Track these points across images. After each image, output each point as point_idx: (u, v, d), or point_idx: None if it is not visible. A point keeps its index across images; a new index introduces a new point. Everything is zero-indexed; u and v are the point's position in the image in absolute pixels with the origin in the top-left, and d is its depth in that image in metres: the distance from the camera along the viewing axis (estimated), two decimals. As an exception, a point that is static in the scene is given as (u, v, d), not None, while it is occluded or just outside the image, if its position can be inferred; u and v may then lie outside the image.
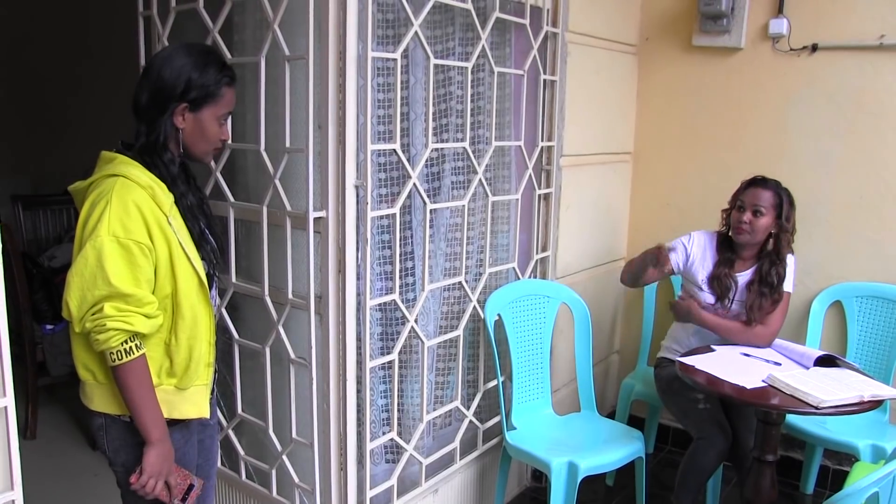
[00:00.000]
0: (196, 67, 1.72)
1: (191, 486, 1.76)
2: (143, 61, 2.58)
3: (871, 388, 2.39)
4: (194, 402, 1.81)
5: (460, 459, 2.77)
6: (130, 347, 1.63)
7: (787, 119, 3.29)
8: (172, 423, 1.76)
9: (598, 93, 3.31)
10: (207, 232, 1.85)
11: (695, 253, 2.85)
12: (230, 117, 1.85)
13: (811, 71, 3.21)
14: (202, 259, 1.78)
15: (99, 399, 1.76)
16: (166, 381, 1.76)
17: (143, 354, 1.66)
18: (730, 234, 2.81)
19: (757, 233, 2.74)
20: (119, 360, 1.63)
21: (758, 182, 2.77)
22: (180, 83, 1.70)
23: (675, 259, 2.86)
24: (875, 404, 2.35)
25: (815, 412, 2.29)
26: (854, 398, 2.32)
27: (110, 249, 1.59)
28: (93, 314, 1.62)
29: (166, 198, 1.70)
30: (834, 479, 3.27)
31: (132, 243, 1.61)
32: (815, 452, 3.25)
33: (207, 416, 1.85)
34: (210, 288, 1.82)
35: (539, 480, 3.21)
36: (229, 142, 2.03)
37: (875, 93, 3.09)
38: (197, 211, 1.83)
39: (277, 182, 2.23)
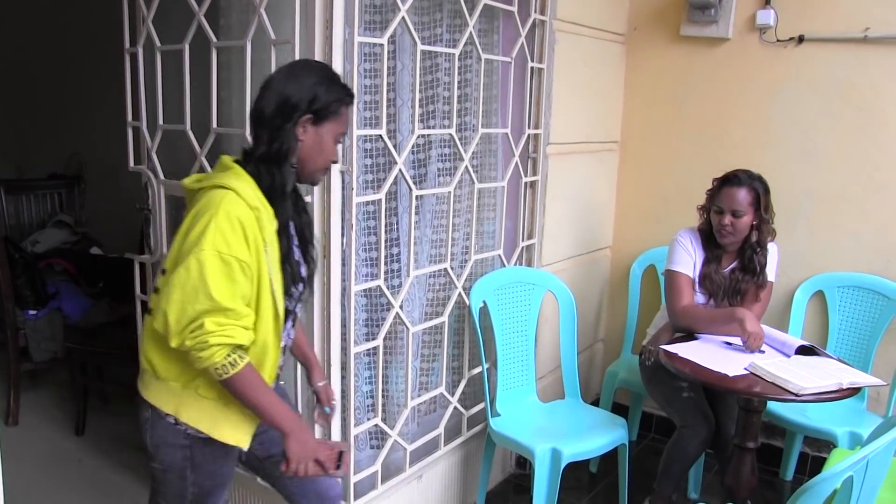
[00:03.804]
0: (322, 83, 1.74)
1: (341, 453, 1.78)
2: (127, 45, 2.55)
3: (849, 376, 2.42)
4: (235, 427, 1.77)
5: (444, 446, 2.78)
6: (234, 359, 1.63)
7: (773, 110, 3.30)
8: (210, 441, 1.74)
9: (586, 81, 3.31)
10: (300, 259, 1.86)
11: (692, 252, 2.84)
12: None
13: (797, 62, 3.22)
14: (284, 293, 1.78)
15: (153, 392, 1.76)
16: (224, 397, 1.73)
17: (249, 363, 1.66)
18: (713, 232, 2.80)
19: (740, 233, 2.73)
20: (226, 373, 1.62)
21: (731, 181, 2.71)
22: (308, 95, 1.72)
23: (691, 269, 2.83)
24: (853, 391, 2.39)
25: (795, 399, 2.32)
26: (833, 386, 2.35)
27: (212, 264, 1.59)
28: (192, 331, 1.60)
29: (269, 224, 1.71)
30: (813, 465, 3.31)
31: (234, 260, 1.61)
32: (796, 440, 3.29)
33: (245, 447, 1.80)
34: (286, 321, 1.83)
35: (523, 467, 3.23)
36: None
37: (860, 86, 3.11)
38: (294, 232, 1.84)
39: (263, 167, 2.22)
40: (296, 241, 1.85)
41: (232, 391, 1.67)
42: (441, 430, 2.75)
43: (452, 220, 2.66)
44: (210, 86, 2.30)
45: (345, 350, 2.30)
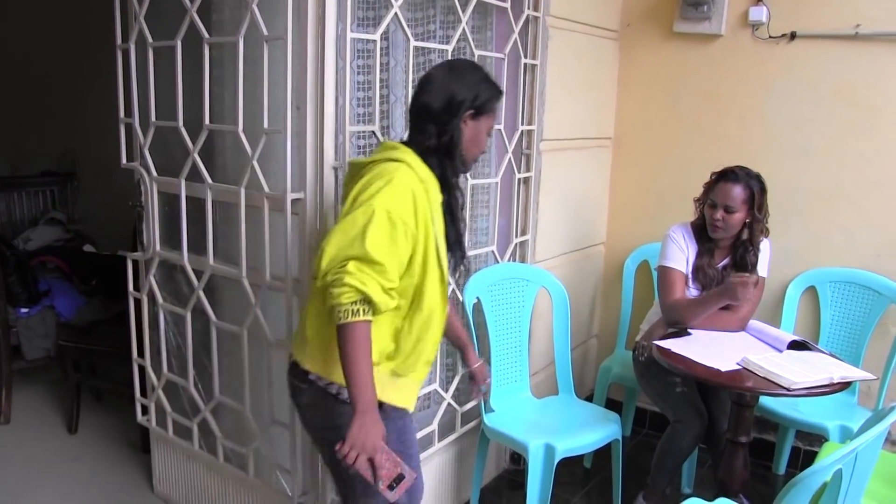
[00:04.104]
0: (482, 81, 1.91)
1: (400, 476, 1.70)
2: (119, 41, 2.55)
3: (840, 371, 2.44)
4: (404, 393, 1.90)
5: (438, 442, 2.78)
6: (358, 310, 1.67)
7: (766, 107, 3.31)
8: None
9: (579, 78, 3.32)
10: (462, 238, 1.99)
11: (685, 248, 2.85)
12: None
13: (790, 59, 3.23)
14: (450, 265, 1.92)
15: (313, 361, 1.86)
16: (384, 363, 1.84)
17: (369, 324, 1.70)
18: (706, 226, 2.81)
19: (731, 229, 2.74)
20: (344, 318, 1.67)
21: (727, 177, 2.73)
22: (471, 93, 1.87)
23: (683, 264, 2.84)
24: (844, 386, 2.41)
25: (787, 394, 2.34)
26: (824, 380, 2.37)
27: (378, 219, 1.69)
28: (336, 271, 1.69)
29: (436, 196, 1.86)
30: (805, 459, 3.33)
31: (399, 221, 1.72)
32: (788, 434, 3.30)
33: (412, 409, 1.93)
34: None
35: (517, 462, 3.24)
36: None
37: (851, 82, 3.12)
38: (456, 213, 1.96)
39: (255, 163, 2.22)
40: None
41: (339, 340, 1.70)
42: (435, 426, 2.75)
43: (445, 216, 2.66)
44: (202, 82, 2.29)
45: (339, 346, 2.30)
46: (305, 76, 2.10)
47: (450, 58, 2.53)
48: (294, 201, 2.17)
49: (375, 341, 1.76)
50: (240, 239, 2.31)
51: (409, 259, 1.79)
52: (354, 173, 1.90)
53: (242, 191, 2.28)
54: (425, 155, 1.86)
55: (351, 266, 1.67)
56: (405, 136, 2.04)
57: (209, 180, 2.39)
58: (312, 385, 1.87)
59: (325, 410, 1.87)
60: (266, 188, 2.23)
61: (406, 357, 1.88)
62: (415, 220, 1.76)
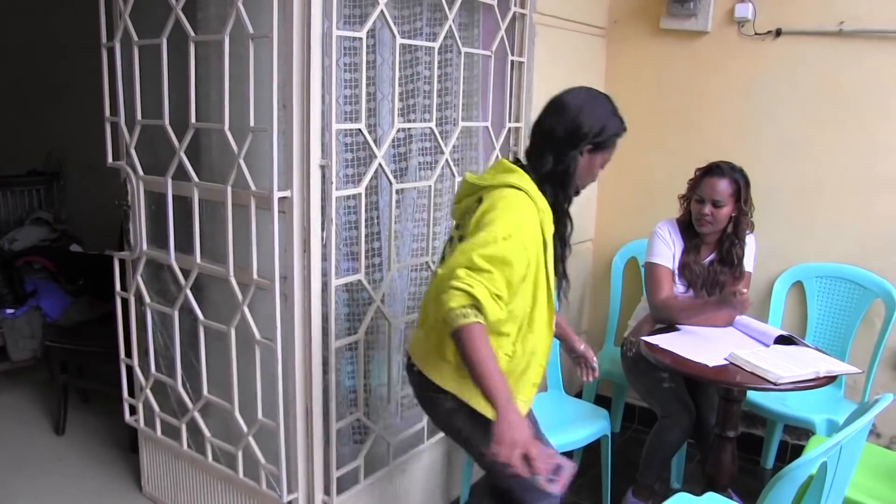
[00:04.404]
0: (609, 116, 1.95)
1: (558, 467, 1.66)
2: (104, 39, 2.53)
3: (826, 365, 2.46)
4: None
5: (428, 439, 2.79)
6: (467, 312, 1.68)
7: (752, 103, 3.32)
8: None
9: (567, 74, 3.30)
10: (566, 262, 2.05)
11: (671, 244, 2.86)
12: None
13: (775, 56, 3.24)
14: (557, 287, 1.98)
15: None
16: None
17: (481, 324, 1.69)
18: (692, 221, 2.83)
19: (719, 223, 2.76)
20: (455, 322, 1.68)
21: (713, 171, 2.75)
22: (596, 127, 1.92)
23: (670, 261, 2.85)
24: (830, 380, 2.43)
25: (773, 388, 2.36)
26: (810, 374, 2.39)
27: (494, 240, 1.74)
28: (449, 279, 1.72)
29: (549, 227, 1.91)
30: (793, 453, 3.34)
31: (517, 242, 1.78)
32: (776, 428, 3.32)
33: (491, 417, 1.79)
34: None
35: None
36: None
37: (835, 78, 3.13)
38: (566, 240, 2.02)
39: (241, 162, 2.21)
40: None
41: (458, 346, 1.71)
42: (424, 423, 2.75)
43: (434, 214, 2.66)
44: (188, 80, 2.28)
45: (326, 345, 2.30)
46: (291, 74, 2.09)
47: (436, 56, 2.53)
48: (281, 199, 2.16)
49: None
50: (227, 237, 2.30)
51: (522, 282, 1.84)
52: (470, 192, 1.98)
53: (229, 189, 2.27)
54: (541, 181, 1.92)
55: (460, 271, 1.71)
56: (521, 154, 2.07)
57: (195, 179, 2.38)
58: (453, 397, 1.94)
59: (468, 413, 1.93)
60: (253, 186, 2.22)
61: (516, 381, 1.93)
62: (531, 248, 1.82)
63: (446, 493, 2.99)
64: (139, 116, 2.49)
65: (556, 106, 1.97)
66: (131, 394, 2.86)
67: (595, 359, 2.38)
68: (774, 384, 2.35)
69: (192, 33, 2.27)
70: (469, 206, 1.96)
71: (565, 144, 1.92)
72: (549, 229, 1.91)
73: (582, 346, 2.38)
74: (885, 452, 2.69)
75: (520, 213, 1.82)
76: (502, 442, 1.61)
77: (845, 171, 3.17)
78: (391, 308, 2.60)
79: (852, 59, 3.09)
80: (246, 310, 2.31)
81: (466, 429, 1.97)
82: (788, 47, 3.21)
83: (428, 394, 2.02)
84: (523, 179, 1.89)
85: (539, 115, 2.00)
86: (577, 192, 2.01)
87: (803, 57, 3.18)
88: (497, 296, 1.73)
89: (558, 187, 1.94)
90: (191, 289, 2.48)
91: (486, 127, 2.84)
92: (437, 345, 1.95)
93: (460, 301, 1.68)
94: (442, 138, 2.63)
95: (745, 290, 2.59)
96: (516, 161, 2.01)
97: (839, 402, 3.02)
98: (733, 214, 2.77)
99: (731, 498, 2.66)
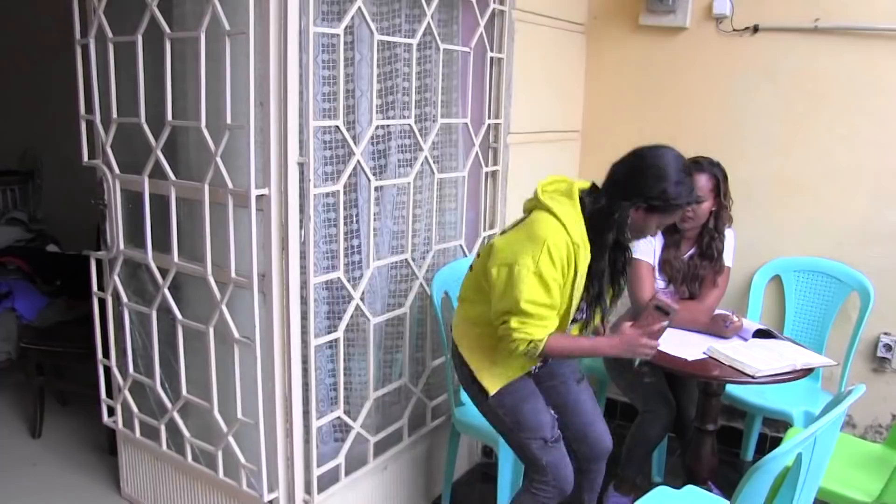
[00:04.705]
0: (675, 184, 2.00)
1: (661, 305, 2.10)
2: (78, 35, 2.50)
3: (802, 358, 2.49)
4: (510, 371, 2.23)
5: (409, 436, 2.79)
6: (535, 345, 2.02)
7: (730, 99, 3.34)
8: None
9: (546, 71, 3.32)
10: (604, 296, 2.20)
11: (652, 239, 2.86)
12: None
13: (753, 51, 3.27)
14: (580, 309, 2.17)
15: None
16: (487, 364, 2.22)
17: (550, 337, 2.04)
18: None
19: (700, 218, 2.77)
20: (535, 354, 2.06)
21: (693, 167, 2.76)
22: (656, 189, 2.00)
23: (651, 256, 2.85)
24: (806, 372, 2.46)
25: (751, 381, 2.38)
26: (787, 367, 2.41)
27: (527, 277, 1.97)
28: (501, 323, 2.05)
29: (584, 260, 2.04)
30: (772, 445, 3.35)
31: (550, 279, 1.98)
32: (755, 421, 3.35)
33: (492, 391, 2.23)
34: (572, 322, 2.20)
35: (489, 456, 3.25)
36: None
37: (811, 74, 3.16)
38: (604, 277, 2.15)
39: (219, 159, 2.20)
40: (608, 278, 2.18)
41: (551, 356, 2.16)
42: (405, 420, 2.75)
43: (413, 211, 2.66)
44: (164, 78, 2.26)
45: (305, 343, 2.29)
46: (268, 71, 2.07)
47: (415, 52, 2.52)
48: (258, 197, 2.15)
49: (478, 349, 2.23)
50: (204, 236, 2.28)
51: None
52: (527, 207, 2.18)
53: (206, 187, 2.26)
54: (588, 217, 2.04)
55: (514, 322, 2.00)
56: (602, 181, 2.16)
57: (172, 177, 2.36)
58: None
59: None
60: (230, 184, 2.20)
61: (508, 355, 2.17)
62: (557, 273, 1.99)
63: (428, 490, 3.00)
64: (115, 114, 2.46)
65: (634, 155, 2.09)
66: (109, 395, 2.83)
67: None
68: (752, 377, 2.37)
69: (168, 30, 2.24)
70: (527, 207, 2.18)
71: (620, 192, 2.03)
72: (583, 262, 2.04)
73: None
74: (860, 442, 2.72)
75: (554, 248, 1.98)
76: (632, 353, 2.10)
77: (822, 166, 3.20)
78: (371, 305, 2.59)
79: (828, 55, 3.12)
80: (224, 308, 2.30)
81: (496, 424, 2.31)
82: (766, 43, 3.23)
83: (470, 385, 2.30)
84: (566, 210, 2.04)
85: (623, 157, 2.13)
86: (619, 241, 2.10)
87: (780, 53, 3.21)
88: (545, 326, 2.03)
89: (598, 229, 2.05)
90: (169, 288, 2.46)
91: (466, 124, 2.84)
92: (483, 346, 2.24)
93: (524, 346, 2.02)
94: (421, 135, 2.63)
95: (736, 319, 2.64)
96: (591, 187, 2.14)
97: (816, 394, 3.05)
98: (713, 209, 2.78)
99: (712, 490, 2.69)
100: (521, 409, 2.24)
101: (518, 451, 2.33)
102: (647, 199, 2.01)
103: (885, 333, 3.17)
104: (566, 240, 2.00)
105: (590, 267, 2.08)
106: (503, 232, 2.21)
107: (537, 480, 2.28)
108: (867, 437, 3.25)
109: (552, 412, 2.31)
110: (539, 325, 2.01)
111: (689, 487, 2.34)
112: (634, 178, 2.04)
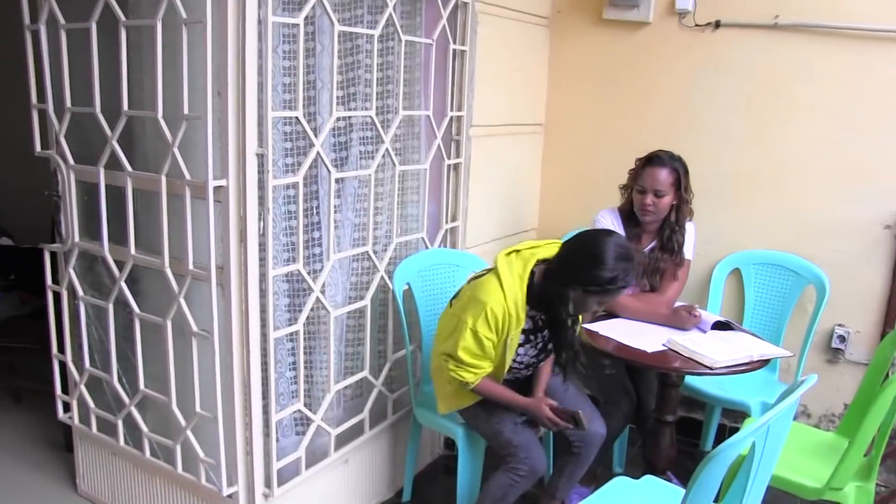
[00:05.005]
0: (610, 270, 2.19)
1: (571, 415, 2.34)
2: (28, 21, 2.43)
3: (759, 349, 2.53)
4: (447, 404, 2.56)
5: (370, 429, 2.78)
6: (467, 384, 2.38)
7: (692, 93, 3.37)
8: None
9: (510, 64, 3.32)
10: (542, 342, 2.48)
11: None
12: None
13: (714, 47, 3.30)
14: (512, 366, 2.45)
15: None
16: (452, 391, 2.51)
17: (481, 380, 2.38)
18: (634, 211, 2.86)
19: (661, 212, 2.80)
20: (466, 388, 2.41)
21: (653, 161, 2.79)
22: (591, 276, 2.20)
23: None
24: (763, 363, 2.50)
25: (709, 372, 2.41)
26: (745, 358, 2.45)
27: (467, 335, 2.30)
28: (444, 359, 2.40)
29: (518, 323, 2.31)
30: (730, 435, 3.36)
31: (485, 339, 2.30)
32: (714, 412, 3.40)
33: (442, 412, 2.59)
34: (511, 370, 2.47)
35: (451, 448, 3.25)
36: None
37: (771, 70, 3.20)
38: (539, 335, 2.46)
39: (176, 150, 2.16)
40: (547, 335, 2.46)
41: (478, 394, 2.43)
42: (366, 413, 2.74)
43: (375, 204, 2.65)
44: (119, 66, 2.22)
45: (265, 335, 2.26)
46: (226, 61, 2.04)
47: (376, 43, 2.51)
48: (216, 188, 2.12)
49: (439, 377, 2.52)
50: (162, 228, 2.25)
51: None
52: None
53: (163, 178, 2.22)
54: (539, 292, 2.31)
55: (451, 364, 2.36)
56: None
57: (129, 168, 2.32)
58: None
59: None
60: (187, 175, 2.17)
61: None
62: (493, 334, 2.30)
63: (391, 483, 2.99)
64: (69, 103, 2.41)
65: (584, 237, 2.32)
66: (65, 391, 2.78)
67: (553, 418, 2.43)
68: (710, 368, 2.40)
69: (123, 17, 2.20)
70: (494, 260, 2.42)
71: (561, 278, 2.26)
72: (516, 328, 2.32)
73: (533, 398, 2.49)
74: (813, 431, 2.79)
75: (491, 312, 2.27)
76: (539, 420, 2.41)
77: (781, 161, 3.24)
78: (332, 298, 2.57)
79: (788, 51, 3.16)
80: (182, 301, 2.27)
81: (469, 417, 2.56)
82: (727, 39, 3.27)
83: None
84: (512, 281, 2.30)
85: (574, 236, 2.35)
86: (568, 315, 2.31)
87: (742, 49, 3.25)
88: (475, 374, 2.36)
89: (547, 305, 2.32)
90: (126, 281, 2.42)
91: (428, 116, 2.83)
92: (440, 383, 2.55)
93: (457, 384, 2.40)
94: (382, 127, 2.61)
95: (697, 311, 2.67)
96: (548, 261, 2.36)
97: (774, 385, 3.10)
98: (674, 203, 2.81)
99: (671, 480, 2.72)
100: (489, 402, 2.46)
101: (492, 438, 2.50)
102: (584, 285, 2.22)
103: (840, 325, 3.23)
104: (503, 306, 2.28)
105: (553, 326, 2.41)
106: (480, 275, 2.44)
107: (511, 462, 2.43)
108: (821, 427, 3.31)
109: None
110: (471, 372, 2.34)
111: (648, 477, 2.36)
112: (573, 264, 2.26)
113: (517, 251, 2.39)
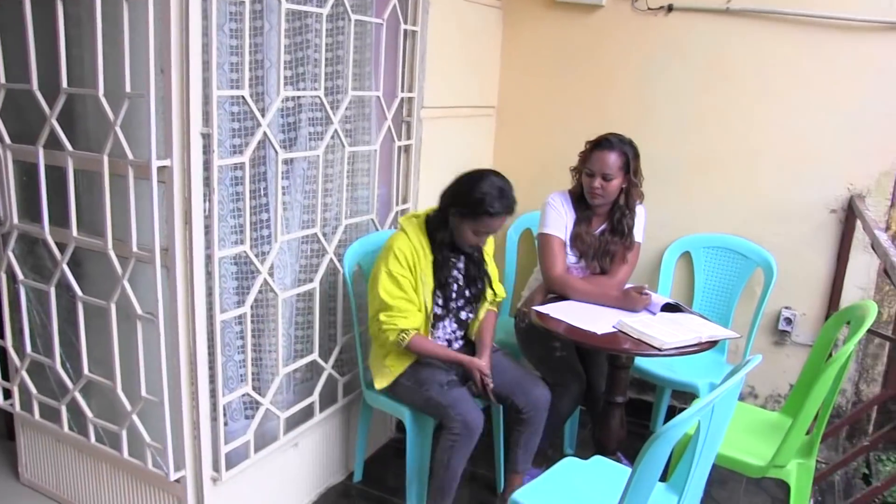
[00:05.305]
0: (478, 192, 2.46)
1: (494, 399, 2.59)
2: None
3: (708, 330, 2.55)
4: (383, 376, 2.65)
5: (320, 412, 2.76)
6: (404, 337, 2.50)
7: (645, 77, 3.40)
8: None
9: (462, 45, 3.31)
10: (456, 284, 2.67)
11: (563, 214, 2.90)
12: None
13: (667, 31, 3.32)
14: (436, 303, 2.60)
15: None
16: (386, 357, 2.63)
17: (416, 334, 2.52)
18: (584, 193, 2.87)
19: (610, 195, 2.81)
20: (402, 346, 2.52)
21: (602, 145, 2.79)
22: (464, 199, 2.49)
23: (563, 231, 2.89)
24: (711, 344, 2.52)
25: (658, 354, 2.43)
26: (693, 340, 2.47)
27: (384, 279, 2.49)
28: (375, 322, 2.53)
29: (424, 258, 2.55)
30: (680, 418, 3.47)
31: (399, 276, 2.49)
32: (664, 394, 3.44)
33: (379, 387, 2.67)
34: (442, 320, 2.65)
35: (403, 431, 3.22)
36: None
37: (723, 55, 3.24)
38: (450, 268, 2.64)
39: (118, 129, 2.11)
40: (463, 272, 2.68)
41: (412, 352, 2.55)
42: (315, 396, 2.72)
43: (324, 185, 2.62)
44: (57, 42, 2.15)
45: (211, 318, 2.23)
46: (169, 37, 1.99)
47: (325, 22, 2.47)
48: (160, 169, 2.07)
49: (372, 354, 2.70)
50: (104, 209, 2.20)
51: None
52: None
53: (105, 158, 2.16)
54: (428, 222, 2.58)
55: (382, 317, 2.49)
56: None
57: (69, 148, 2.26)
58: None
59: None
60: (130, 155, 2.12)
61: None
62: (406, 271, 2.50)
63: (342, 466, 2.99)
64: (2, 80, 2.33)
65: (462, 174, 2.56)
66: (6, 377, 2.71)
67: (487, 377, 2.57)
68: (659, 350, 2.42)
69: (60, -9, 2.13)
70: None
71: (446, 201, 2.55)
72: (425, 261, 2.54)
73: (476, 361, 2.59)
74: (759, 411, 2.84)
75: (398, 250, 2.50)
76: (471, 372, 2.56)
77: (731, 146, 3.29)
78: (281, 280, 2.55)
79: (739, 36, 3.20)
80: (126, 284, 2.22)
81: (405, 395, 2.64)
82: (680, 23, 3.30)
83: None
84: (412, 225, 2.58)
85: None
86: (462, 246, 2.59)
87: (694, 33, 3.28)
88: (406, 317, 2.50)
89: (435, 230, 2.56)
90: (68, 263, 2.36)
91: (378, 97, 2.80)
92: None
93: (394, 335, 2.50)
94: (331, 108, 2.58)
95: (647, 289, 2.69)
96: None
97: (722, 367, 3.16)
98: (623, 186, 2.82)
99: (621, 461, 2.76)
100: (417, 370, 2.59)
101: (426, 408, 2.60)
102: (457, 207, 2.49)
103: (787, 308, 3.30)
104: (408, 243, 2.51)
105: (442, 272, 2.58)
106: None
107: (447, 427, 2.50)
108: (767, 407, 3.38)
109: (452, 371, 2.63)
110: (402, 317, 2.48)
111: (596, 458, 2.39)
112: (452, 190, 2.54)
113: (417, 215, 2.64)
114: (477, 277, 2.70)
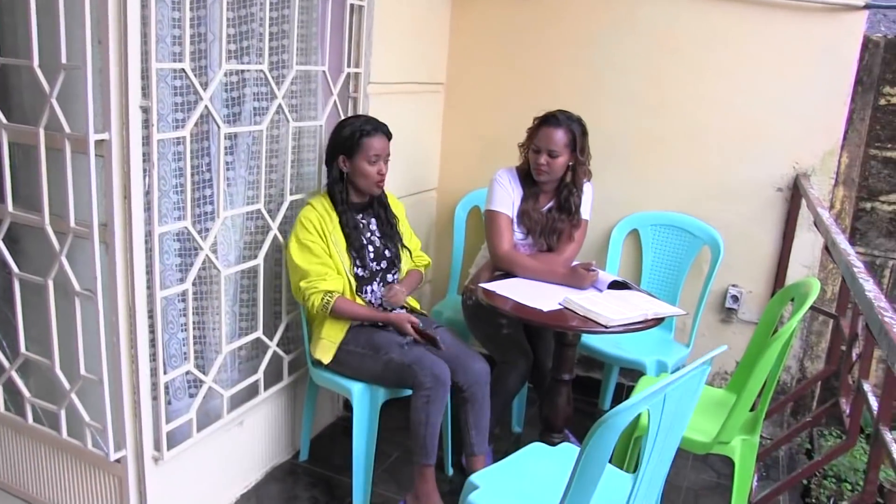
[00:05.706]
0: (345, 129, 2.60)
1: (434, 339, 2.56)
2: None
3: (655, 307, 2.58)
4: (325, 351, 2.66)
5: (265, 391, 2.74)
6: (328, 301, 2.54)
7: (593, 54, 3.40)
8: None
9: (410, 21, 3.27)
10: (372, 245, 2.73)
11: (511, 191, 2.90)
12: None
13: (616, 7, 3.33)
14: (355, 264, 2.66)
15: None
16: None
17: (339, 297, 2.57)
18: (531, 170, 2.88)
19: (555, 172, 2.82)
20: (327, 312, 2.56)
21: (549, 121, 2.80)
22: (339, 141, 2.60)
23: (510, 208, 2.89)
24: (658, 321, 2.55)
25: (605, 331, 2.44)
26: (639, 317, 2.50)
27: (294, 247, 2.57)
28: (299, 293, 2.58)
29: (331, 223, 2.62)
30: (628, 394, 3.52)
31: (307, 241, 2.55)
32: (612, 371, 3.49)
33: (325, 360, 2.67)
34: (370, 283, 2.71)
35: (351, 410, 3.23)
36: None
37: (672, 33, 3.26)
38: (361, 229, 2.70)
39: (54, 101, 2.05)
40: (377, 233, 2.75)
41: (339, 316, 2.59)
42: (260, 374, 2.70)
43: (269, 161, 2.58)
44: (-12, 10, 2.08)
45: (151, 295, 2.19)
46: (106, 7, 1.93)
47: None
48: (98, 143, 2.01)
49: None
50: (41, 183, 2.14)
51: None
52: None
53: (41, 132, 2.10)
54: (332, 185, 2.64)
55: (302, 283, 2.54)
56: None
57: (4, 120, 2.19)
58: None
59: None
60: (67, 129, 2.06)
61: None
62: (314, 237, 2.56)
63: (288, 445, 2.98)
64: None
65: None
66: (-61, 356, 2.63)
67: (416, 322, 2.62)
68: (605, 327, 2.44)
69: (-9, -42, 2.06)
70: None
71: (329, 160, 2.65)
72: (331, 225, 2.61)
73: (391, 289, 2.71)
74: (706, 388, 2.87)
75: (305, 219, 2.57)
76: (401, 326, 2.59)
77: (679, 123, 3.32)
78: (225, 257, 2.51)
79: (688, 14, 3.22)
80: (64, 260, 2.16)
81: (359, 365, 2.64)
82: (629, 0, 3.29)
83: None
84: (315, 195, 2.70)
85: None
86: (364, 194, 2.69)
87: (643, 9, 3.28)
88: (327, 276, 2.56)
89: (334, 191, 2.64)
90: (3, 239, 2.30)
91: (324, 72, 2.76)
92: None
93: (318, 299, 2.54)
94: (276, 82, 2.54)
95: (594, 268, 2.70)
96: None
97: (669, 344, 3.20)
98: (570, 163, 2.83)
99: (569, 439, 2.79)
100: (370, 338, 2.62)
101: (385, 373, 2.59)
102: (339, 150, 2.59)
103: (734, 285, 3.35)
104: (314, 211, 2.58)
105: (354, 233, 2.64)
106: None
107: (417, 385, 2.52)
108: (714, 384, 3.44)
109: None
110: (321, 280, 2.54)
111: (565, 445, 2.34)
112: (328, 146, 2.65)
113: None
114: (392, 238, 2.77)
